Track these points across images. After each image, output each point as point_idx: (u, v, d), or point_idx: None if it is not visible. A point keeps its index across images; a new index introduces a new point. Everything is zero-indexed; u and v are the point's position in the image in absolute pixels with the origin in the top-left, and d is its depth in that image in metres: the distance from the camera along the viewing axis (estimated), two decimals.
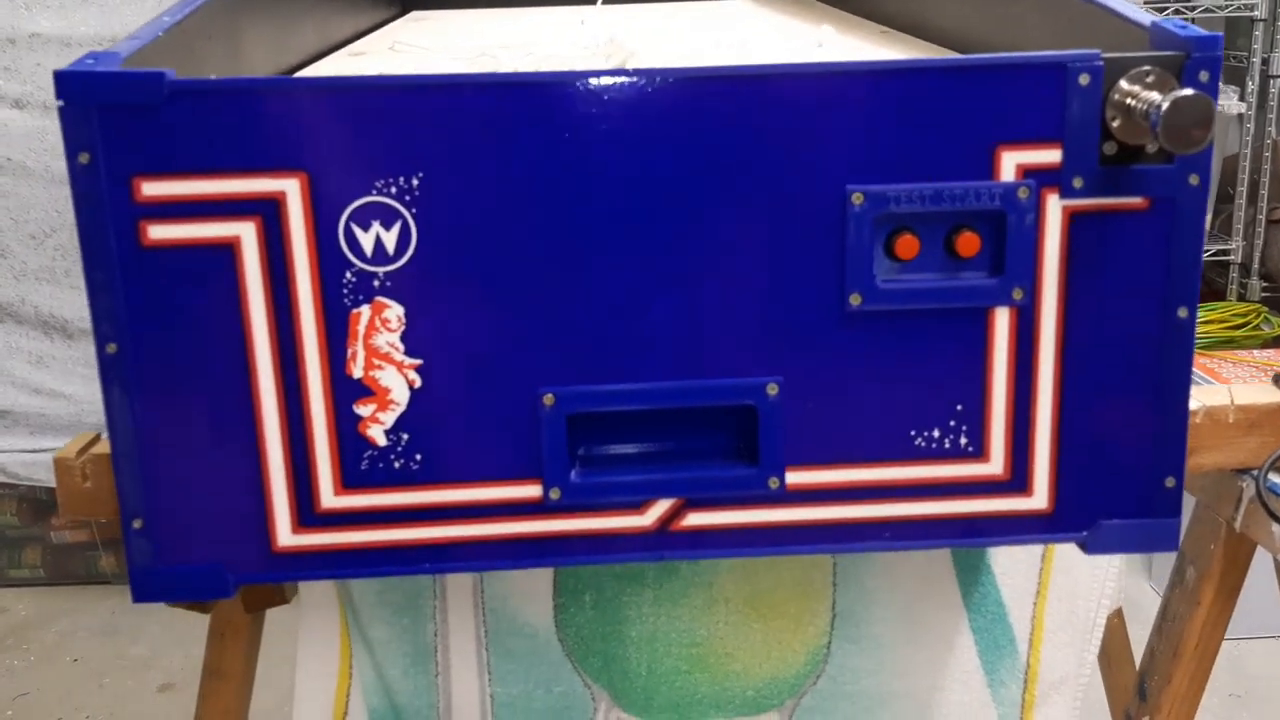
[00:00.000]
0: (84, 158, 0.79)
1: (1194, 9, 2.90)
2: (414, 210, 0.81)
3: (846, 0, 1.59)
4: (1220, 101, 2.83)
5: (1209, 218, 3.17)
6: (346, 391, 0.84)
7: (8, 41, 2.54)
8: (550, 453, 0.85)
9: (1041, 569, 1.21)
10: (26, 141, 2.58)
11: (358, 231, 0.81)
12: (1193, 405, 1.11)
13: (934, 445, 0.87)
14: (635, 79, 0.80)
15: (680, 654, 1.19)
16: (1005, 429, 0.86)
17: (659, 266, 0.83)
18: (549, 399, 0.84)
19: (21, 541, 3.06)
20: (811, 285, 0.84)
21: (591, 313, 0.84)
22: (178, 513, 0.85)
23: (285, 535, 0.86)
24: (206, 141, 0.80)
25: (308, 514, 0.85)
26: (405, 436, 0.84)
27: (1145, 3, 2.69)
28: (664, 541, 0.87)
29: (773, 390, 0.85)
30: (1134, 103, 0.76)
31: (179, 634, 2.70)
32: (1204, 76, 0.80)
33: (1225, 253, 3.14)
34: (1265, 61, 3.00)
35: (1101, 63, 0.80)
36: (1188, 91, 0.76)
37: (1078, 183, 0.79)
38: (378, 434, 0.84)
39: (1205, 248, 2.91)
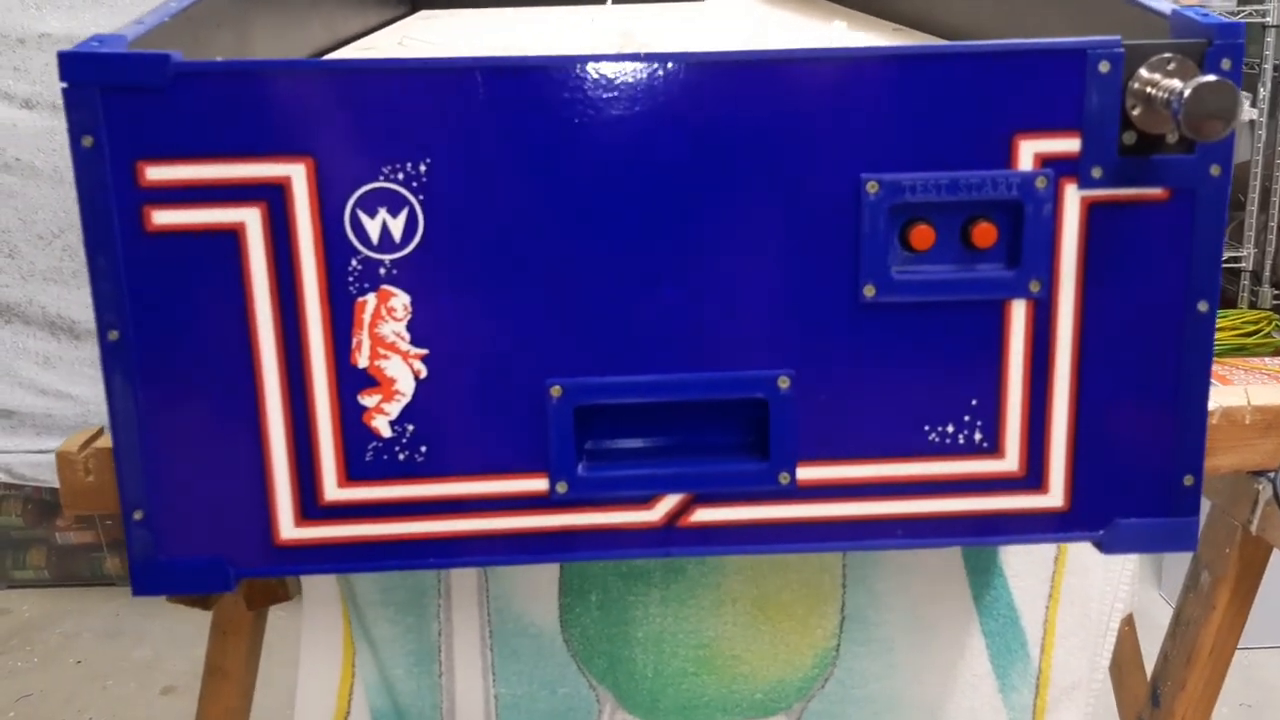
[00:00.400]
0: (87, 141, 0.78)
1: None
2: (421, 197, 0.80)
3: (862, 1, 1.57)
4: None
5: None
6: (351, 381, 0.82)
7: (17, 41, 2.53)
8: (557, 446, 0.83)
9: (1054, 572, 1.19)
10: (35, 142, 2.57)
11: (364, 218, 0.80)
12: (1209, 406, 1.09)
13: (948, 441, 0.85)
14: (645, 64, 0.78)
15: (687, 655, 1.17)
16: (1021, 425, 0.84)
17: (669, 256, 0.82)
18: (556, 391, 0.83)
19: (27, 543, 3.05)
20: (824, 276, 0.82)
21: (600, 303, 0.82)
22: (179, 504, 0.84)
23: (288, 528, 0.85)
24: (212, 125, 0.79)
25: (311, 506, 0.84)
26: (410, 428, 0.83)
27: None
28: (671, 537, 0.86)
29: (784, 383, 0.83)
30: (1155, 91, 0.75)
31: (182, 637, 2.69)
32: (1226, 64, 0.79)
33: (1236, 260, 3.13)
34: (1277, 68, 2.99)
35: (1122, 50, 0.79)
36: (1210, 78, 0.74)
37: (1097, 173, 0.78)
38: (382, 425, 0.83)
39: None
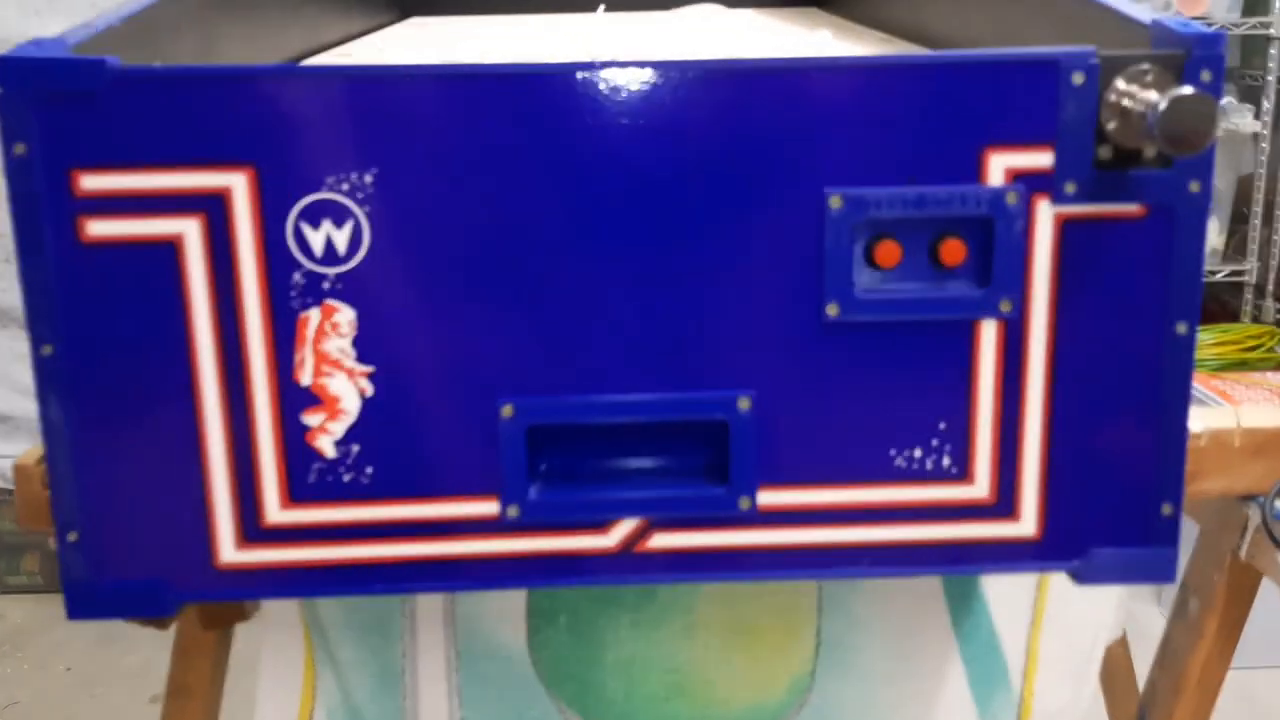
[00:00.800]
0: (19, 148, 0.75)
1: (1210, 27, 2.85)
2: (367, 208, 0.77)
3: (853, 10, 1.55)
4: (1235, 120, 2.79)
5: (1222, 238, 3.12)
6: (294, 399, 0.79)
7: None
8: (509, 468, 0.80)
9: (1036, 597, 1.16)
10: None
11: (307, 230, 0.77)
12: (1197, 427, 1.06)
13: (915, 466, 0.82)
14: (599, 72, 0.75)
15: (659, 680, 1.14)
16: (991, 450, 0.82)
17: (625, 272, 0.79)
18: (508, 410, 0.80)
19: (21, 548, 3.03)
20: (786, 294, 0.79)
21: (554, 321, 0.79)
22: (115, 525, 0.81)
23: (228, 551, 0.82)
24: (149, 133, 0.76)
25: (252, 529, 0.81)
26: (355, 448, 0.80)
27: None
28: (628, 564, 0.83)
29: (745, 405, 0.80)
30: (1131, 103, 0.72)
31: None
32: (1206, 76, 0.76)
33: (1239, 274, 3.09)
34: None
35: (1097, 60, 0.76)
36: (1187, 90, 0.71)
37: (1070, 188, 0.75)
38: (326, 445, 0.80)
39: (1219, 268, 2.86)
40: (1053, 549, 0.84)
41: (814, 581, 1.13)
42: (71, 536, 0.80)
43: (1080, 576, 0.84)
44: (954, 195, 0.78)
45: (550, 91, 0.76)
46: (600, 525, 0.83)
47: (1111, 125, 0.74)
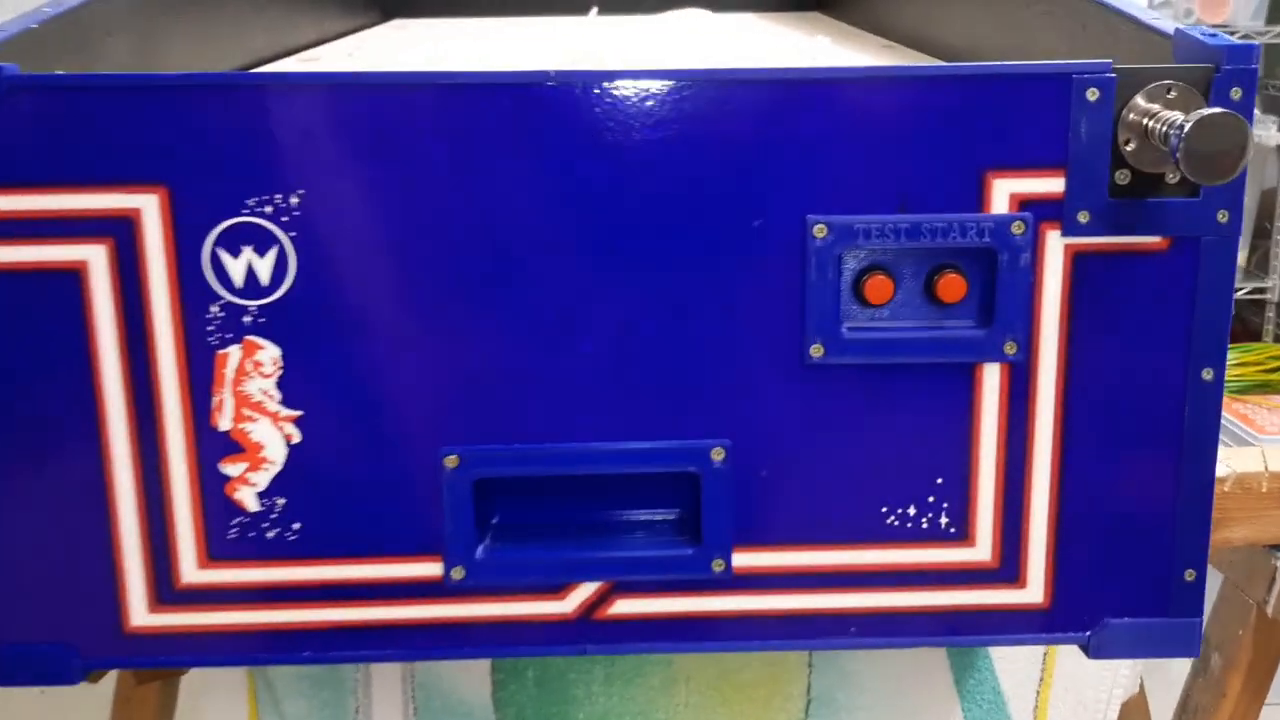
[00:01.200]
0: None
1: (1232, 34, 2.76)
2: (293, 233, 0.69)
3: (856, 15, 1.47)
4: (1258, 131, 2.69)
5: (1244, 254, 3.02)
6: (212, 447, 0.71)
7: None
8: (453, 525, 0.72)
9: (1045, 653, 1.07)
10: None
11: (225, 258, 0.69)
12: (1221, 470, 0.98)
13: (909, 525, 0.74)
14: (553, 83, 0.67)
15: None
16: (994, 508, 0.74)
17: (584, 307, 0.71)
18: (452, 461, 0.71)
19: None
20: (765, 333, 0.72)
21: (504, 360, 0.71)
22: (16, 585, 0.73)
23: (140, 614, 0.74)
24: (49, 149, 0.68)
25: (166, 590, 0.73)
26: (281, 501, 0.72)
27: None
28: (587, 632, 0.74)
29: (718, 456, 0.72)
30: (1152, 123, 0.65)
31: None
32: (1236, 93, 0.67)
33: (1262, 291, 2.99)
34: None
35: (1113, 75, 0.68)
36: (1215, 110, 0.63)
37: (1084, 217, 0.69)
38: (248, 497, 0.72)
39: (1240, 286, 2.77)
40: (1063, 619, 0.76)
41: None
42: None
43: (1093, 650, 0.76)
44: (953, 224, 0.70)
45: (501, 105, 0.68)
46: (556, 589, 0.75)
47: (1130, 147, 0.69)
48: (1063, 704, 1.09)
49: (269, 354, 0.71)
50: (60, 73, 0.70)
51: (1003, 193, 0.70)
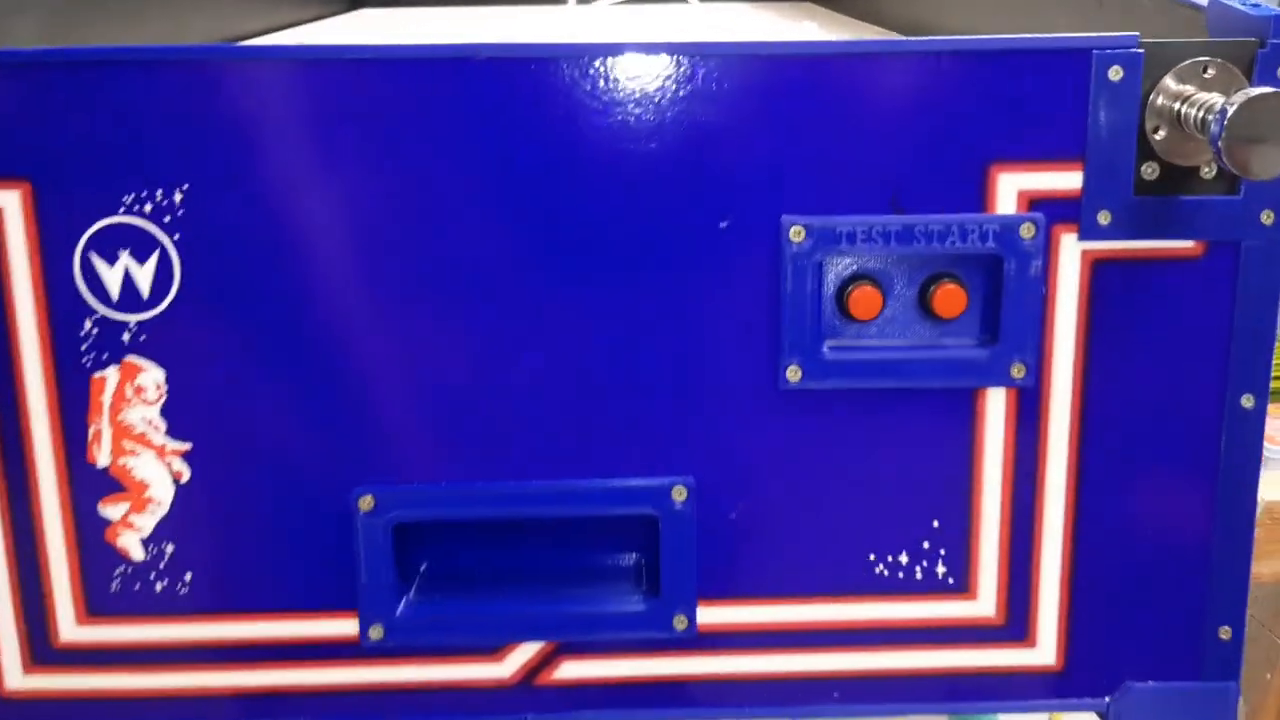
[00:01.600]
0: None
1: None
2: (176, 236, 0.59)
3: (851, 6, 1.38)
4: None
5: None
6: (89, 485, 0.63)
7: None
8: (368, 576, 0.63)
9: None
10: None
11: (99, 265, 0.59)
12: None
13: (901, 575, 0.66)
14: (485, 61, 0.57)
15: None
16: (999, 556, 0.65)
17: (523, 322, 0.62)
18: (366, 502, 0.62)
19: None
20: (734, 353, 0.63)
21: (428, 383, 0.62)
22: None
23: (15, 676, 0.65)
24: None
25: (43, 649, 0.65)
26: (170, 548, 0.63)
27: None
28: (529, 700, 0.66)
29: (680, 496, 0.63)
30: (1185, 107, 0.58)
31: None
32: None
33: None
34: None
35: (1140, 51, 0.59)
36: (1263, 91, 0.55)
37: (1104, 218, 0.61)
38: (132, 544, 0.62)
39: None
40: (1078, 682, 0.67)
41: None
42: None
43: (1113, 717, 0.67)
44: (951, 226, 0.61)
45: (421, 83, 0.58)
46: (492, 650, 0.66)
47: (1159, 136, 0.60)
48: None
49: (151, 377, 0.61)
50: None
51: (1010, 189, 0.61)
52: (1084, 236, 0.61)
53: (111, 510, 0.62)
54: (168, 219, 0.59)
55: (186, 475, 0.62)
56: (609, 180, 0.60)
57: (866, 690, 0.67)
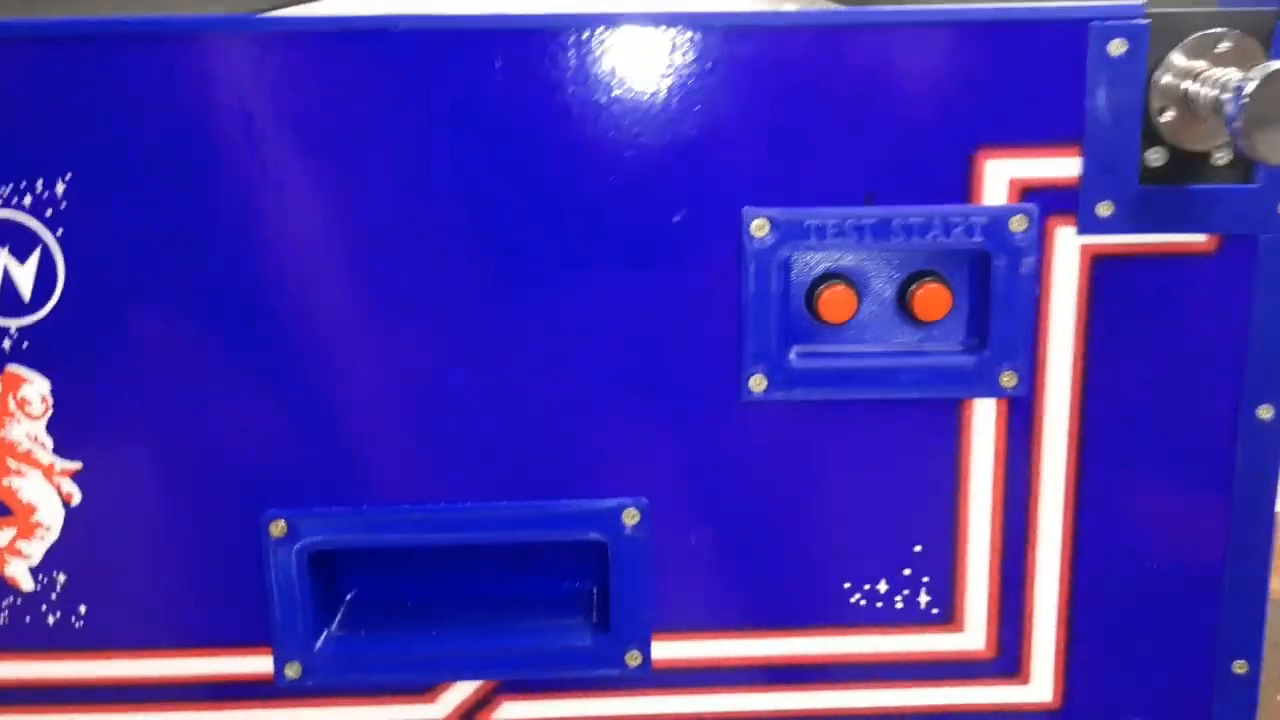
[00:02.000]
0: None
1: None
2: (60, 231, 0.53)
3: None
4: None
5: None
6: None
7: None
8: (283, 609, 0.58)
9: None
10: None
11: None
12: None
13: (880, 606, 0.60)
14: (401, 30, 0.51)
15: None
16: (988, 584, 0.60)
17: (451, 327, 0.56)
18: (278, 527, 0.56)
19: None
20: (691, 360, 0.57)
21: (348, 395, 0.56)
22: None
23: None
24: None
25: None
26: (61, 578, 0.58)
27: None
28: None
29: (632, 519, 0.58)
30: (1196, 85, 0.53)
31: None
32: None
33: None
34: None
35: (1145, 21, 0.54)
36: None
37: (1105, 210, 0.55)
38: (20, 573, 0.57)
39: None
40: None
41: None
42: None
43: None
44: (934, 219, 0.55)
45: (333, 54, 0.52)
46: (424, 690, 0.60)
47: (1167, 118, 0.55)
48: None
49: (36, 389, 0.55)
50: None
51: (999, 178, 0.55)
52: (1082, 230, 0.56)
53: None
54: (49, 213, 0.53)
55: (78, 497, 0.56)
56: (540, 169, 0.54)
57: None
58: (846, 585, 0.59)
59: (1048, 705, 0.61)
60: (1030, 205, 0.55)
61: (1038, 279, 0.56)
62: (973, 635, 0.60)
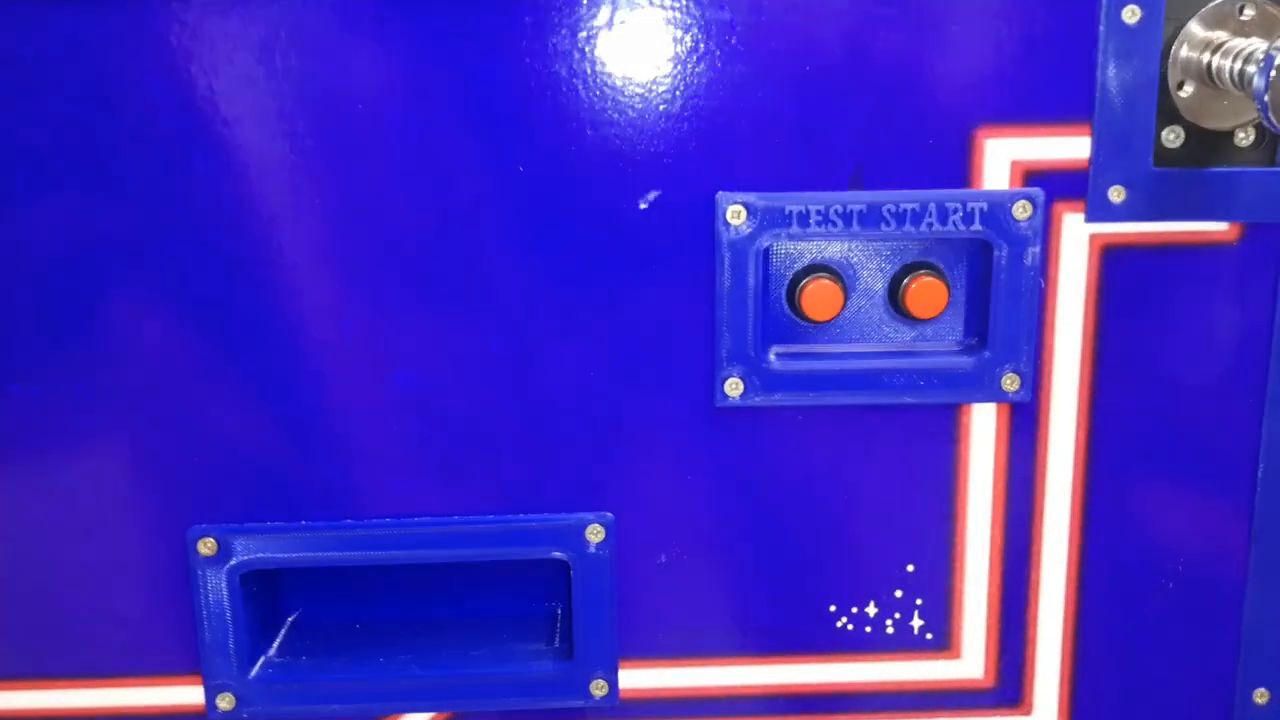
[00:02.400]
0: None
1: None
2: None
3: None
4: None
5: None
6: None
7: None
8: (213, 635, 0.54)
9: None
10: None
11: None
12: None
13: (869, 630, 0.56)
14: None
15: None
16: (987, 606, 0.56)
17: (397, 325, 0.51)
18: (207, 545, 0.52)
19: None
20: (660, 363, 0.53)
21: (284, 399, 0.52)
22: None
23: None
24: None
25: None
26: None
27: None
28: None
29: (596, 535, 0.55)
30: (1218, 58, 0.50)
31: None
32: None
33: None
34: None
35: None
36: None
37: (1117, 195, 0.52)
38: None
39: None
40: None
41: None
42: None
43: None
44: (929, 205, 0.51)
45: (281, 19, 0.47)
46: None
47: (1185, 93, 0.52)
48: None
49: None
50: None
51: (1000, 159, 0.52)
52: (1092, 217, 0.53)
53: None
54: None
55: None
56: (494, 150, 0.49)
57: None
58: (832, 608, 0.56)
59: None
60: (1035, 190, 0.52)
61: (1043, 272, 0.53)
62: (970, 662, 0.57)
